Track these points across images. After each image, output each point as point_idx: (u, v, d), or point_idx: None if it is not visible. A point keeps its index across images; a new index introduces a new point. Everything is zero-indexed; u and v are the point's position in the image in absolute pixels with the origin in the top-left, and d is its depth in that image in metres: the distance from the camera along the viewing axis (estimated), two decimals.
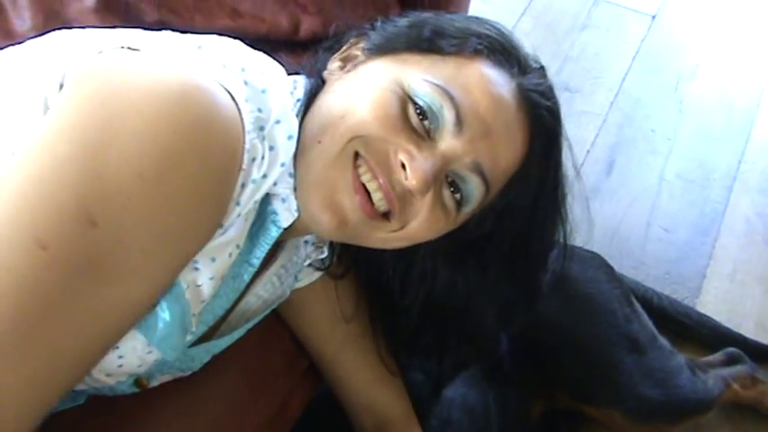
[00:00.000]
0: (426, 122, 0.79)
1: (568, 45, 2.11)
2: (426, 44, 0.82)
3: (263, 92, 0.72)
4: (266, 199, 0.81)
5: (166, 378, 0.88)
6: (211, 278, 0.76)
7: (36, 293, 0.61)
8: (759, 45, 2.17)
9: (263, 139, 0.72)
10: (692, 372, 1.37)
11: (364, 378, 1.05)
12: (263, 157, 0.72)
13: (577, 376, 1.31)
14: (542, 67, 0.90)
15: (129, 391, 0.86)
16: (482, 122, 0.79)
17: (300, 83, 0.85)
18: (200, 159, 0.65)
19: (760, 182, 1.84)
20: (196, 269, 0.75)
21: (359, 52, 0.86)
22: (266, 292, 0.93)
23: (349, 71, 0.84)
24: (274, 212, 0.81)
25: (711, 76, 2.06)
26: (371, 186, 0.78)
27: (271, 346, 1.02)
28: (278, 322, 1.03)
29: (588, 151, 1.87)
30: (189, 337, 0.81)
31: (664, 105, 1.99)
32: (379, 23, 0.89)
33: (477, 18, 0.91)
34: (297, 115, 0.80)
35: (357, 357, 1.05)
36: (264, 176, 0.74)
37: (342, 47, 0.89)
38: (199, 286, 0.76)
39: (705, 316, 1.57)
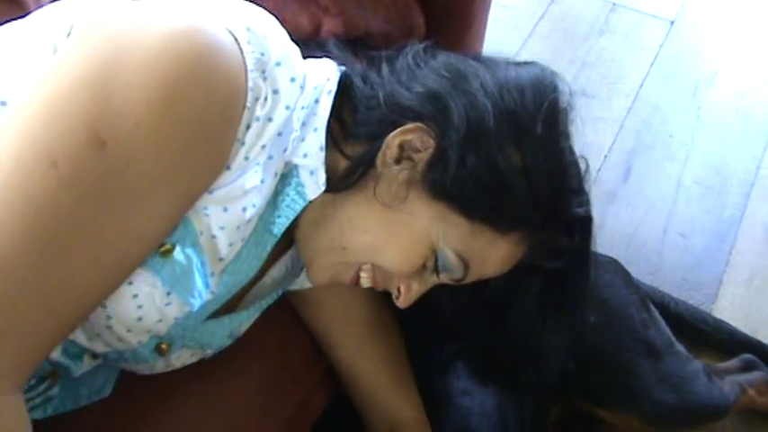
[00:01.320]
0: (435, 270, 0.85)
1: (585, 50, 2.11)
2: (480, 215, 0.82)
3: (264, 37, 0.74)
4: (293, 171, 0.82)
5: (186, 354, 0.90)
6: (222, 228, 0.76)
7: (48, 212, 0.64)
8: None
9: (265, 80, 0.73)
10: (709, 377, 1.37)
11: (379, 381, 1.06)
12: (266, 98, 0.74)
13: (594, 381, 1.31)
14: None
15: (150, 359, 0.86)
16: (481, 276, 0.87)
17: (334, 75, 0.85)
18: (205, 92, 0.67)
19: None
20: (206, 215, 0.75)
21: (417, 170, 0.81)
22: (279, 274, 0.95)
23: (393, 203, 0.81)
24: (301, 184, 0.82)
25: (730, 82, 2.06)
26: (365, 282, 0.89)
27: (291, 346, 1.03)
28: (297, 323, 1.05)
29: (605, 156, 1.87)
30: (209, 297, 0.80)
31: (681, 111, 1.99)
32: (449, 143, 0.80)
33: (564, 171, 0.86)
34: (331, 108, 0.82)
35: (372, 359, 1.06)
36: (269, 120, 0.75)
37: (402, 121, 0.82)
38: (213, 237, 0.77)
39: (722, 321, 1.57)
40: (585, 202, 0.89)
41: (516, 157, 0.80)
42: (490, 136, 0.79)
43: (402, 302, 0.88)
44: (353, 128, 0.83)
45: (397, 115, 0.81)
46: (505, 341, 0.96)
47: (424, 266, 0.85)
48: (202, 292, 0.78)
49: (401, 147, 0.81)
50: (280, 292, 0.98)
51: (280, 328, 0.96)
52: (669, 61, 2.11)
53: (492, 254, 0.84)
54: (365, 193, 0.82)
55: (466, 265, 0.84)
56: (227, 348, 0.94)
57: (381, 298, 1.05)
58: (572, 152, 0.87)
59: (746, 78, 2.08)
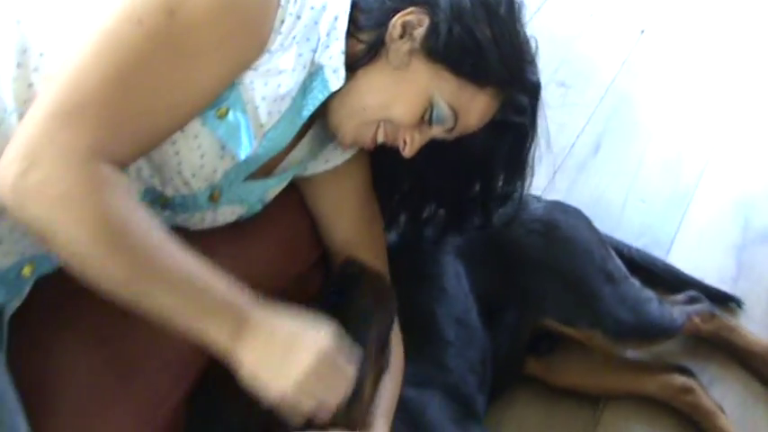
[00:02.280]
0: (432, 122, 1.13)
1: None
2: (464, 71, 1.10)
3: None
4: (320, 70, 1.09)
5: (228, 212, 1.19)
6: (264, 98, 1.04)
7: (135, 56, 0.94)
8: (738, 49, 2.49)
9: None
10: (660, 303, 1.64)
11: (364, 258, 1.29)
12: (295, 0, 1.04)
13: (562, 304, 1.58)
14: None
15: (204, 206, 1.15)
16: (466, 129, 1.17)
17: None
18: None
19: (729, 166, 2.14)
20: (252, 88, 1.04)
21: (417, 41, 1.09)
22: (303, 152, 1.24)
23: (400, 67, 1.10)
24: (325, 80, 1.09)
25: (694, 79, 2.38)
26: (380, 138, 1.17)
27: (298, 226, 1.31)
28: (304, 210, 1.33)
29: (578, 136, 2.16)
30: (251, 153, 1.07)
31: (649, 102, 2.29)
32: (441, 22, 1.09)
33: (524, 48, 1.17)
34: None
35: (359, 245, 1.31)
36: (298, 17, 1.05)
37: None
38: (257, 107, 1.05)
39: (670, 264, 1.84)
40: (537, 73, 1.19)
41: (487, 31, 1.10)
42: (468, 13, 1.08)
43: (407, 152, 1.15)
44: (365, 21, 1.11)
45: (397, 3, 1.10)
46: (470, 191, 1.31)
47: (422, 119, 1.12)
48: (248, 148, 1.06)
49: (403, 26, 1.09)
50: (302, 169, 1.26)
51: (290, 211, 1.28)
52: (639, 62, 2.42)
53: (474, 106, 1.13)
54: (378, 64, 1.10)
55: (456, 116, 1.12)
56: (253, 216, 1.24)
57: (371, 196, 1.33)
58: (526, 35, 1.17)
59: (708, 76, 2.40)
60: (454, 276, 1.53)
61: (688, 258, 1.90)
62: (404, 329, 1.33)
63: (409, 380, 1.35)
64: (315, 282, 1.35)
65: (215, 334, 0.97)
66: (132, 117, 0.95)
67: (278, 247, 1.29)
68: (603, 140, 2.17)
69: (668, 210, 2.02)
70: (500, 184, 1.30)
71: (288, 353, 0.98)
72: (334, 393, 1.03)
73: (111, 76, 0.93)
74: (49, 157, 0.90)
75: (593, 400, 1.67)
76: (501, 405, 1.63)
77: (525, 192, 1.34)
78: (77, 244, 0.91)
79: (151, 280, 0.95)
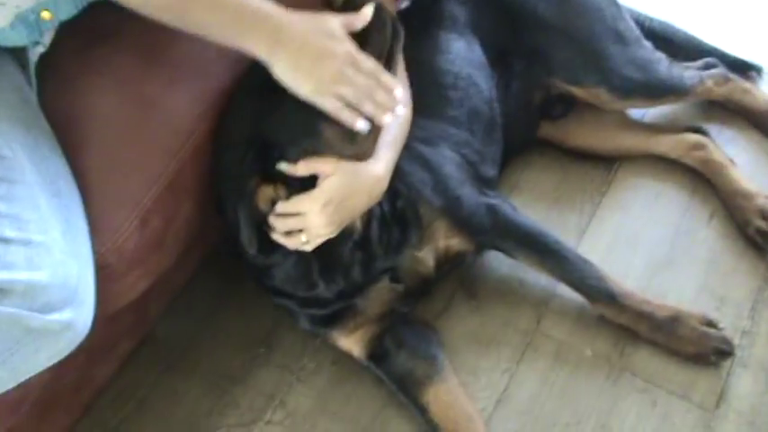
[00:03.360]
0: None
1: None
2: None
3: None
4: None
5: None
6: None
7: None
8: None
9: None
10: (670, 63, 1.67)
11: None
12: None
13: (569, 63, 1.62)
14: None
15: None
16: None
17: None
18: None
19: None
20: None
21: None
22: None
23: None
24: None
25: None
26: None
27: None
28: None
29: None
30: None
31: None
32: None
33: None
34: None
35: None
36: None
37: None
38: None
39: (692, 35, 1.81)
40: None
41: None
42: None
43: None
44: None
45: None
46: None
47: None
48: None
49: None
50: None
51: None
52: None
53: None
54: None
55: None
56: None
57: None
58: None
59: None
60: (461, 31, 1.59)
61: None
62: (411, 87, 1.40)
63: (419, 137, 1.44)
64: None
65: (253, 46, 1.13)
66: None
67: None
68: None
69: None
70: None
71: (317, 60, 1.12)
72: (365, 92, 1.14)
73: None
74: None
75: (608, 162, 1.73)
76: (517, 168, 1.72)
77: None
78: None
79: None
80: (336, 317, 1.41)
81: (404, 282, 1.41)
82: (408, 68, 1.41)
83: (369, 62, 1.14)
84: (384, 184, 1.28)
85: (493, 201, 1.47)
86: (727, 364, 1.43)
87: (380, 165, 1.25)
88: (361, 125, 1.15)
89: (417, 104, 1.39)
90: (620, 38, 1.63)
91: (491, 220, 1.44)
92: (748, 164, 1.69)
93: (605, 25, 1.63)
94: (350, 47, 1.13)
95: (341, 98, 1.13)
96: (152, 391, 1.49)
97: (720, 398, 1.41)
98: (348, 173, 1.20)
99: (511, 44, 1.62)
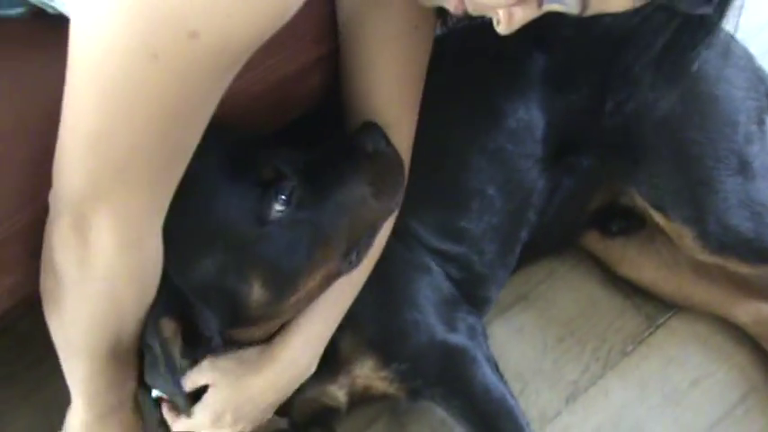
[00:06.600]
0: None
1: None
2: None
3: None
4: None
5: None
6: None
7: (150, 97, 0.67)
8: None
9: None
10: None
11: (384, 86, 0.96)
12: None
13: (663, 181, 1.13)
14: None
15: None
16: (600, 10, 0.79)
17: None
18: None
19: None
20: None
21: None
22: None
23: None
24: None
25: None
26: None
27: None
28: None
29: None
30: None
31: None
32: None
33: None
34: None
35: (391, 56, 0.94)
36: None
37: None
38: None
39: None
40: None
41: None
42: None
43: (503, 29, 0.79)
44: None
45: None
46: None
47: None
48: None
49: None
50: None
51: None
52: None
53: None
54: None
55: None
56: None
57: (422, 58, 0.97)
58: None
59: None
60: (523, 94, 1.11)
61: None
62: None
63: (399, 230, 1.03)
64: (312, 81, 0.99)
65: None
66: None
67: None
68: None
69: None
70: None
71: None
72: None
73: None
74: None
75: (658, 308, 1.28)
76: (534, 275, 1.30)
77: None
78: None
79: None
80: None
81: (292, 415, 1.04)
82: (425, 137, 1.00)
83: None
84: (302, 369, 0.96)
85: (459, 342, 1.05)
86: None
87: (287, 353, 0.94)
88: None
89: (421, 190, 1.01)
90: (744, 167, 1.12)
91: (441, 369, 1.05)
92: None
93: (731, 145, 1.12)
94: None
95: None
96: None
97: None
98: (229, 383, 0.93)
99: (592, 132, 1.13)
